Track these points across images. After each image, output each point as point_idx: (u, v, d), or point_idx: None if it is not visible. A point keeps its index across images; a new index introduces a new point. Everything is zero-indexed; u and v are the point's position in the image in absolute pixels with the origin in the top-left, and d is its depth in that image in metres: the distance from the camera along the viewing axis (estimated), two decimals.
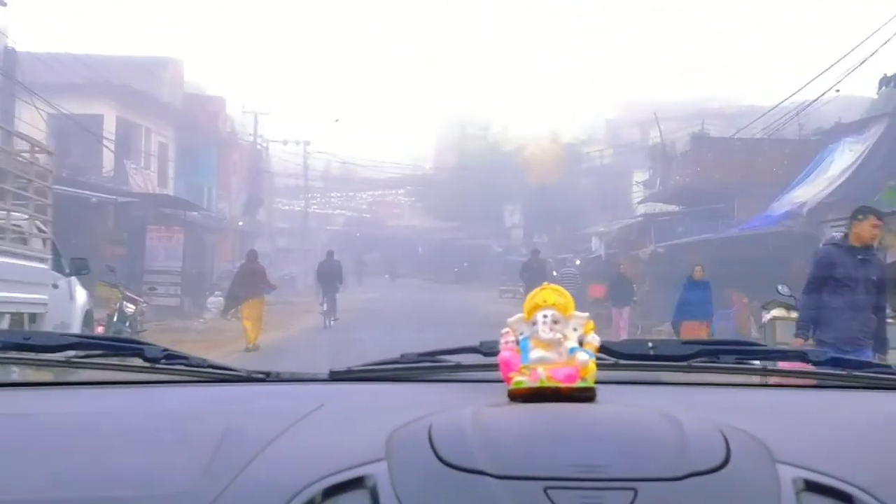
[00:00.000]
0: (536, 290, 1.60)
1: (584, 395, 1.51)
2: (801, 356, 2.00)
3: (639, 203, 36.87)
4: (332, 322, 22.62)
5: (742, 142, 28.01)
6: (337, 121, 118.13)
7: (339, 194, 66.98)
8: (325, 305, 23.03)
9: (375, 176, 61.50)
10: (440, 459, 1.23)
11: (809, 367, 1.92)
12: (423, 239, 64.60)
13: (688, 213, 28.24)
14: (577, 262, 35.08)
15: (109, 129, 28.53)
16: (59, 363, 1.89)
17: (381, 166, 54.52)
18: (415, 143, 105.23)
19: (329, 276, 23.56)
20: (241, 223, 41.62)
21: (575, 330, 1.57)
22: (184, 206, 28.63)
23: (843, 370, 1.89)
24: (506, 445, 1.25)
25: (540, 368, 1.51)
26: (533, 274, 21.79)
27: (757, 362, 1.94)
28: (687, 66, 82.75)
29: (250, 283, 18.16)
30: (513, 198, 49.96)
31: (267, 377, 1.89)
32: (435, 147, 57.23)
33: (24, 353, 1.89)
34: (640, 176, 46.94)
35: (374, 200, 67.26)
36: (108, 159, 28.69)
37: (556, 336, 1.54)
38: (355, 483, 1.22)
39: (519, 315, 1.60)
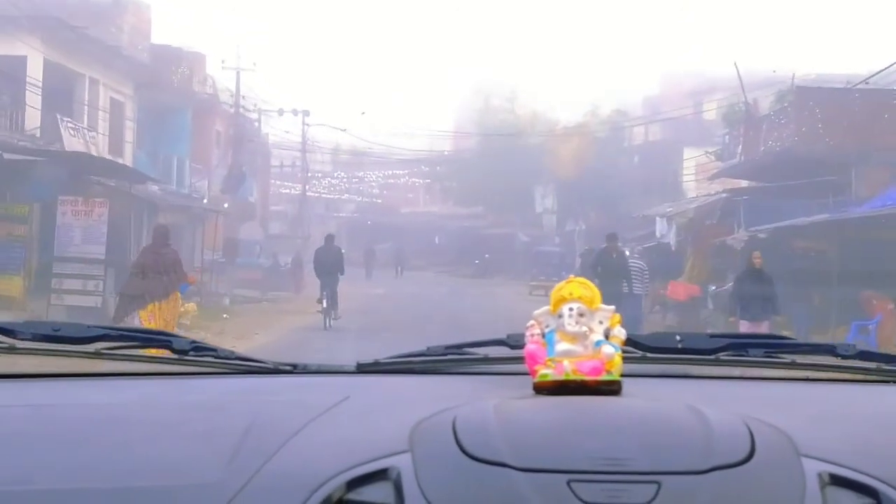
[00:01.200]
0: (562, 282, 1.59)
1: (610, 389, 1.50)
2: (830, 350, 1.92)
3: (711, 179, 30.17)
4: (332, 321, 19.28)
5: (864, 94, 21.19)
6: (363, 113, 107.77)
7: (344, 175, 60.53)
8: (324, 301, 19.48)
9: (387, 153, 55.08)
10: (464, 451, 1.22)
11: (839, 361, 1.88)
12: (440, 227, 58.55)
13: (787, 188, 21.51)
14: (627, 253, 28.59)
15: (35, 75, 21.98)
16: (87, 354, 1.89)
17: (392, 142, 48.11)
18: (432, 116, 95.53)
19: (328, 266, 19.85)
20: (226, 205, 35.22)
21: (601, 323, 1.55)
22: (124, 173, 22.05)
23: (872, 364, 1.87)
24: (529, 438, 1.25)
25: (565, 361, 1.51)
26: (609, 267, 15.21)
27: (786, 356, 1.89)
28: (735, 35, 74.43)
29: (156, 276, 11.62)
30: (544, 179, 43.27)
31: (294, 369, 1.90)
32: (454, 121, 50.62)
33: (53, 343, 1.88)
34: (690, 153, 40.65)
35: (386, 183, 60.69)
36: (36, 115, 22.15)
37: (581, 329, 1.53)
38: (379, 475, 1.22)
39: (545, 308, 1.59)
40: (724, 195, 23.60)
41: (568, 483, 1.16)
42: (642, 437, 1.26)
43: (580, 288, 1.57)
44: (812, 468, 1.23)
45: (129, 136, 27.69)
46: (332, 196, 64.47)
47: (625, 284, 15.71)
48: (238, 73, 32.74)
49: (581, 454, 1.21)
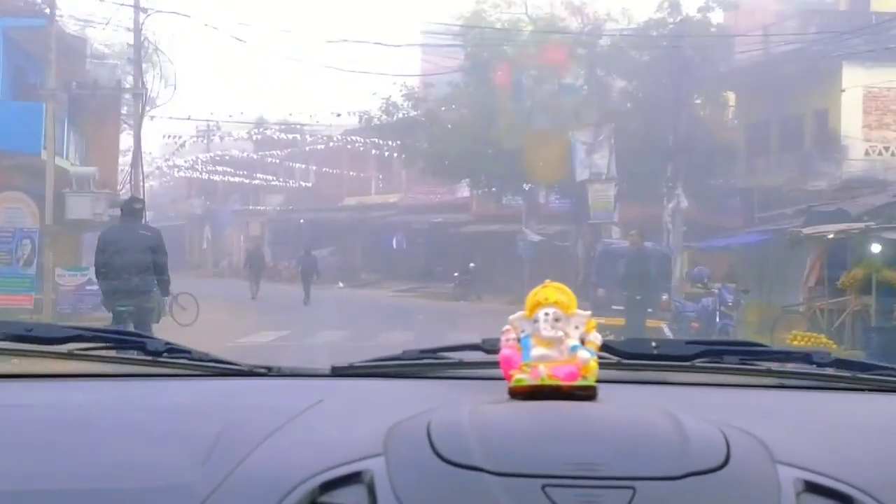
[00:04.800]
0: (538, 287, 1.58)
1: (585, 394, 1.51)
2: (805, 357, 1.90)
3: None
4: None
5: None
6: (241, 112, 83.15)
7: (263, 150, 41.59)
8: None
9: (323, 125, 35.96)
10: (438, 456, 1.23)
11: (814, 369, 1.87)
12: (402, 223, 40.38)
13: None
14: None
15: None
16: (60, 355, 1.88)
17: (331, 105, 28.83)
18: (389, 46, 70.42)
19: (125, 273, 10.27)
20: None
21: (577, 328, 1.55)
22: None
23: (847, 372, 1.86)
24: (504, 443, 1.26)
25: (541, 366, 1.51)
26: None
27: (762, 363, 1.86)
28: None
29: None
30: (588, 120, 24.01)
31: (269, 372, 1.89)
32: (425, 40, 31.26)
33: (26, 344, 1.87)
34: (853, 76, 22.20)
35: (324, 157, 41.61)
36: None
37: (557, 334, 1.53)
38: (353, 478, 1.23)
39: (521, 312, 1.58)
40: None
41: (543, 488, 1.16)
42: (617, 442, 1.26)
43: (556, 293, 1.56)
44: (787, 475, 1.24)
45: None
46: (246, 179, 45.28)
47: None
48: None
49: (556, 459, 1.21)
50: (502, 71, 25.67)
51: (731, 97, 26.37)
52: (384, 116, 29.37)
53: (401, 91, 28.78)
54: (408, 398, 1.61)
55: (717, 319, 13.72)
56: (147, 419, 1.53)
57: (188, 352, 1.88)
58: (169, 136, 32.77)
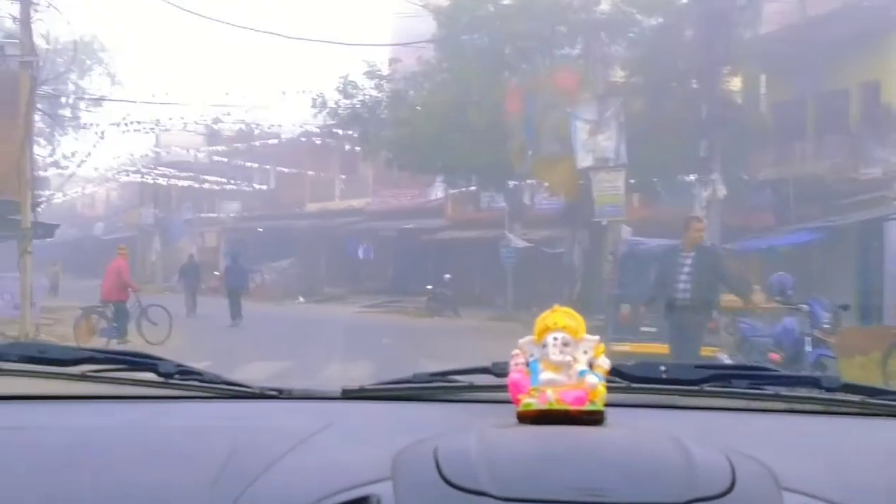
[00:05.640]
0: (547, 311, 1.59)
1: (593, 419, 1.50)
2: (814, 382, 1.91)
3: None
4: None
5: None
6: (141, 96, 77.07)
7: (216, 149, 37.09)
8: None
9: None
10: (445, 480, 1.23)
11: (823, 394, 1.86)
12: (369, 231, 36.23)
13: None
14: None
15: None
16: (72, 377, 1.88)
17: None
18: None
19: None
20: None
21: (585, 353, 1.55)
22: None
23: (856, 397, 1.85)
24: (510, 467, 1.27)
25: (549, 391, 1.51)
26: None
27: (770, 388, 1.86)
28: None
29: None
30: (592, 94, 19.71)
31: (279, 394, 1.90)
32: (392, 24, 27.01)
33: (39, 365, 1.88)
34: None
35: (281, 156, 37.22)
36: None
37: (565, 358, 1.53)
38: (360, 502, 1.23)
39: (529, 337, 1.58)
40: None
41: None
42: (623, 467, 1.26)
43: (565, 317, 1.55)
44: (793, 501, 1.24)
45: None
46: (196, 183, 40.70)
47: None
48: None
49: (562, 484, 1.20)
50: (482, 42, 21.44)
51: (757, 71, 22.23)
52: (342, 99, 25.06)
53: (361, 69, 24.48)
54: (417, 422, 1.62)
55: (809, 348, 9.30)
56: (157, 441, 1.52)
57: (199, 374, 1.87)
58: (88, 125, 28.24)
